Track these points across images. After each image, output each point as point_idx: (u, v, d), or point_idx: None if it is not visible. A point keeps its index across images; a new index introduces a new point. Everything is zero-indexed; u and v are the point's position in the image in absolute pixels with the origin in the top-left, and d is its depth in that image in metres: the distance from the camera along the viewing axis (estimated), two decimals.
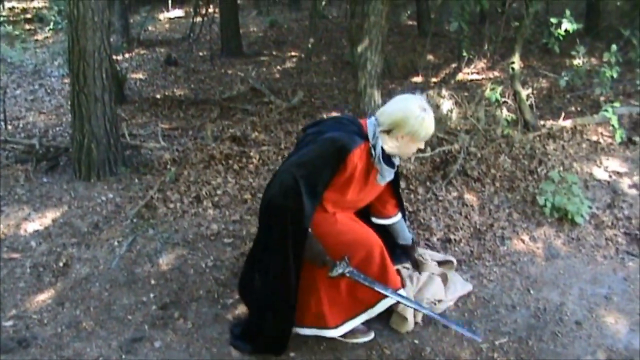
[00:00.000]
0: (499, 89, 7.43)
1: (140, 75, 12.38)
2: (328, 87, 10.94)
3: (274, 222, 3.72)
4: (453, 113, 7.76)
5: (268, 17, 18.33)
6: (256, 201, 6.13)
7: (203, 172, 6.84)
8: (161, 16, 20.08)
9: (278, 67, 12.63)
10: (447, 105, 7.95)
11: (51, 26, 15.69)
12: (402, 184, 6.33)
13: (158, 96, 10.66)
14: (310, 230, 3.70)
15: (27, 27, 17.41)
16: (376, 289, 3.80)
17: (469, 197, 6.07)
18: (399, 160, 4.01)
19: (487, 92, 7.45)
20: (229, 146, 7.45)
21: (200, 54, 14.47)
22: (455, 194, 6.14)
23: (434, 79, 10.94)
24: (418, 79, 10.98)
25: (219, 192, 6.37)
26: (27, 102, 10.61)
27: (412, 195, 6.11)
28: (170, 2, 21.36)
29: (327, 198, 3.80)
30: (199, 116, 9.19)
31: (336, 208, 3.88)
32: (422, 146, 3.88)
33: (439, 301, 4.39)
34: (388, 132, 3.75)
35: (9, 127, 8.98)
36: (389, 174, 3.90)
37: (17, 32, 14.90)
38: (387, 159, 3.83)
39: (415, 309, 4.12)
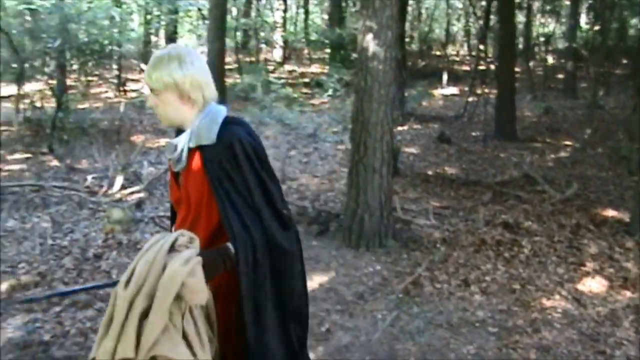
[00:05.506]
0: None
1: (413, 150, 12.54)
2: (603, 181, 10.45)
3: None
4: None
5: (543, 103, 17.98)
6: (525, 293, 5.94)
7: (472, 255, 6.75)
8: (436, 92, 20.33)
9: (552, 156, 12.29)
10: None
11: (329, 92, 16.27)
12: None
13: (430, 172, 10.72)
14: None
15: (304, 91, 18.20)
16: None
17: None
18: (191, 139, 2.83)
19: None
20: (500, 232, 7.32)
21: (473, 133, 14.45)
22: None
23: None
24: None
25: (487, 278, 6.23)
26: (300, 165, 11.05)
27: None
28: (445, 79, 21.61)
29: None
30: (470, 197, 9.10)
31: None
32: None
33: None
34: None
35: (284, 186, 9.36)
36: (170, 152, 2.90)
37: (295, 95, 15.56)
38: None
39: None
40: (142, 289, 2.45)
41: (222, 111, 2.81)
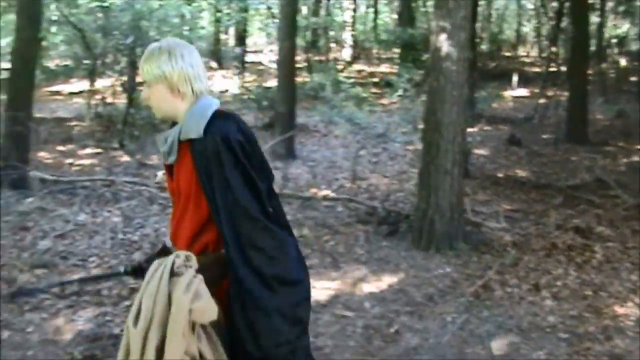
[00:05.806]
0: None
1: (482, 152, 12.43)
2: None
3: None
4: None
5: (615, 106, 17.62)
6: (597, 299, 5.81)
7: (543, 260, 6.64)
8: (506, 94, 20.08)
9: (624, 160, 12.03)
10: None
11: (399, 92, 16.18)
12: None
13: (500, 175, 10.61)
14: None
15: (374, 90, 18.13)
16: None
17: None
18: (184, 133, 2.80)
19: None
20: (571, 237, 7.21)
21: (544, 136, 14.22)
22: None
23: None
24: None
25: (558, 283, 6.11)
26: (370, 164, 11.06)
27: None
28: (516, 80, 21.36)
29: None
30: (541, 201, 8.96)
31: None
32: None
33: None
34: None
35: (354, 186, 9.36)
36: (161, 145, 2.93)
37: (364, 95, 15.50)
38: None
39: None
40: (152, 322, 2.47)
41: (213, 105, 2.78)
